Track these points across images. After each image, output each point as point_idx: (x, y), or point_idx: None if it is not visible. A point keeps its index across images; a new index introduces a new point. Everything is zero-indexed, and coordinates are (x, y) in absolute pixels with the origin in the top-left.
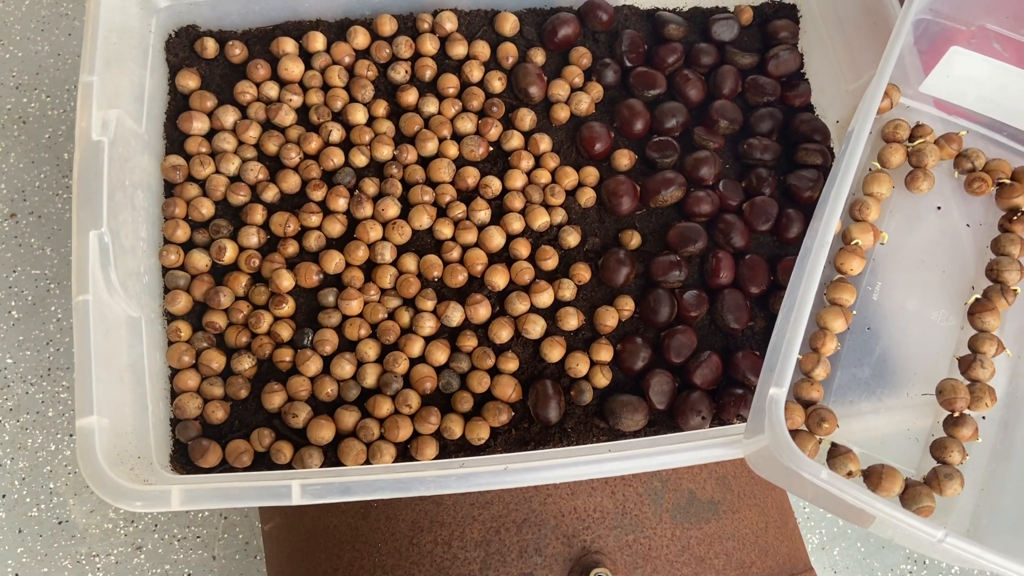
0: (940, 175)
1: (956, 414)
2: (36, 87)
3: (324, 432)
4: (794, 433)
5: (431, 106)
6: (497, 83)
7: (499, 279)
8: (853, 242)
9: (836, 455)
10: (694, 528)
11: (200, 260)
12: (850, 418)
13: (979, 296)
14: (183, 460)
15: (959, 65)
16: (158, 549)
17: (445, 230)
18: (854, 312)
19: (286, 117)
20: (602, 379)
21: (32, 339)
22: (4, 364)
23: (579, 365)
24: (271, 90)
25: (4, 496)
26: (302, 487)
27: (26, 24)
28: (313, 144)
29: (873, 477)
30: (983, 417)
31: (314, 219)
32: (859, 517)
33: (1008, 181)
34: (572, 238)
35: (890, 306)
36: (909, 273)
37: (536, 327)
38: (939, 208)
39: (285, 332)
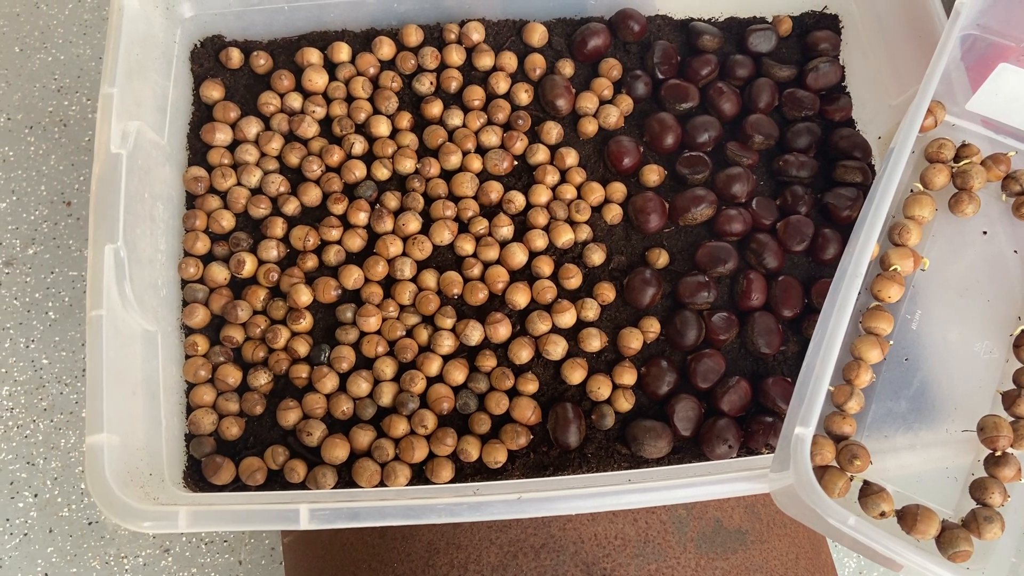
0: (986, 198)
1: (998, 453)
2: (77, 90)
3: (338, 451)
4: (824, 470)
5: (456, 118)
6: (524, 95)
7: (520, 297)
8: (892, 268)
9: (868, 494)
10: (720, 559)
11: (219, 273)
12: (884, 454)
13: None
14: (196, 477)
15: (1008, 82)
16: (185, 552)
17: (466, 246)
18: (891, 342)
19: (309, 129)
20: (625, 403)
21: (68, 340)
22: (40, 364)
23: (601, 388)
24: (295, 101)
25: (36, 496)
26: (311, 512)
27: (68, 28)
28: (335, 156)
29: (908, 518)
30: None
31: (334, 233)
32: (890, 563)
33: None
34: (597, 256)
35: (930, 336)
36: (951, 302)
37: (557, 348)
38: (985, 233)
39: (302, 348)
